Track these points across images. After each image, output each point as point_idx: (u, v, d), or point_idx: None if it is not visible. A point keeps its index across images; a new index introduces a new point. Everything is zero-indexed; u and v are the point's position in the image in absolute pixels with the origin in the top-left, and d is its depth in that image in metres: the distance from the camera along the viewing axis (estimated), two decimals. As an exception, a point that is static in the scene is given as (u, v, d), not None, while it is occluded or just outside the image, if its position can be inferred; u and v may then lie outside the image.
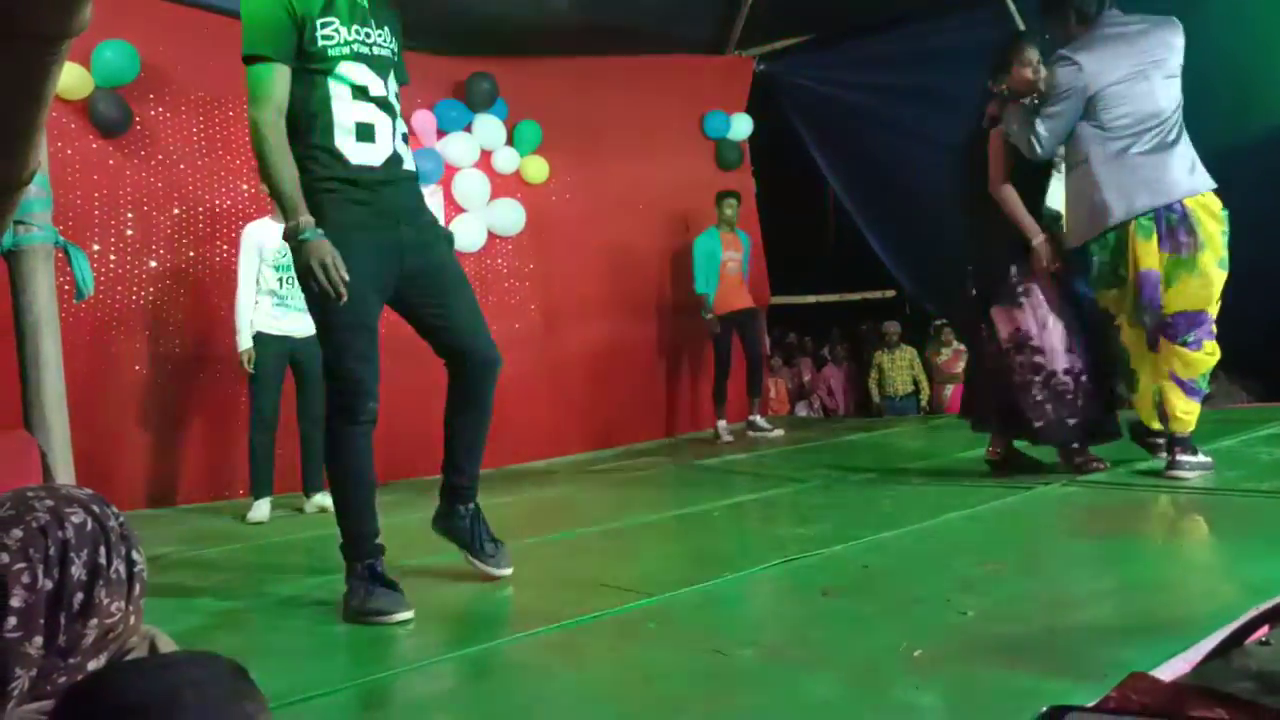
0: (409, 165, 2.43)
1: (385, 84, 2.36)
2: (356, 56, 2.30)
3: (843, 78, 6.92)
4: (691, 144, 6.87)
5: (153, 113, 4.69)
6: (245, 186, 4.93)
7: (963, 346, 7.97)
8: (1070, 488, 3.29)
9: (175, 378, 4.65)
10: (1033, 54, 3.43)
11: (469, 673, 1.95)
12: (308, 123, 2.27)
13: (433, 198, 5.38)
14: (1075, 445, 3.50)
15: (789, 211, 8.24)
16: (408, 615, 2.27)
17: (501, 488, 4.41)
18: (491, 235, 5.86)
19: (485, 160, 5.85)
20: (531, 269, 6.04)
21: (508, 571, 2.62)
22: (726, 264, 6.06)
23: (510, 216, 5.84)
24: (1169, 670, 1.46)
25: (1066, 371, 3.42)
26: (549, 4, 5.57)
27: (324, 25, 2.25)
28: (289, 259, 4.04)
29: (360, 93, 2.31)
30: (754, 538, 3.16)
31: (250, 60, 2.21)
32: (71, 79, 4.23)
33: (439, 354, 2.52)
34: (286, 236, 2.22)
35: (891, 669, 1.69)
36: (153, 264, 4.66)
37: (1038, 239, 3.44)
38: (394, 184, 2.36)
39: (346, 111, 2.29)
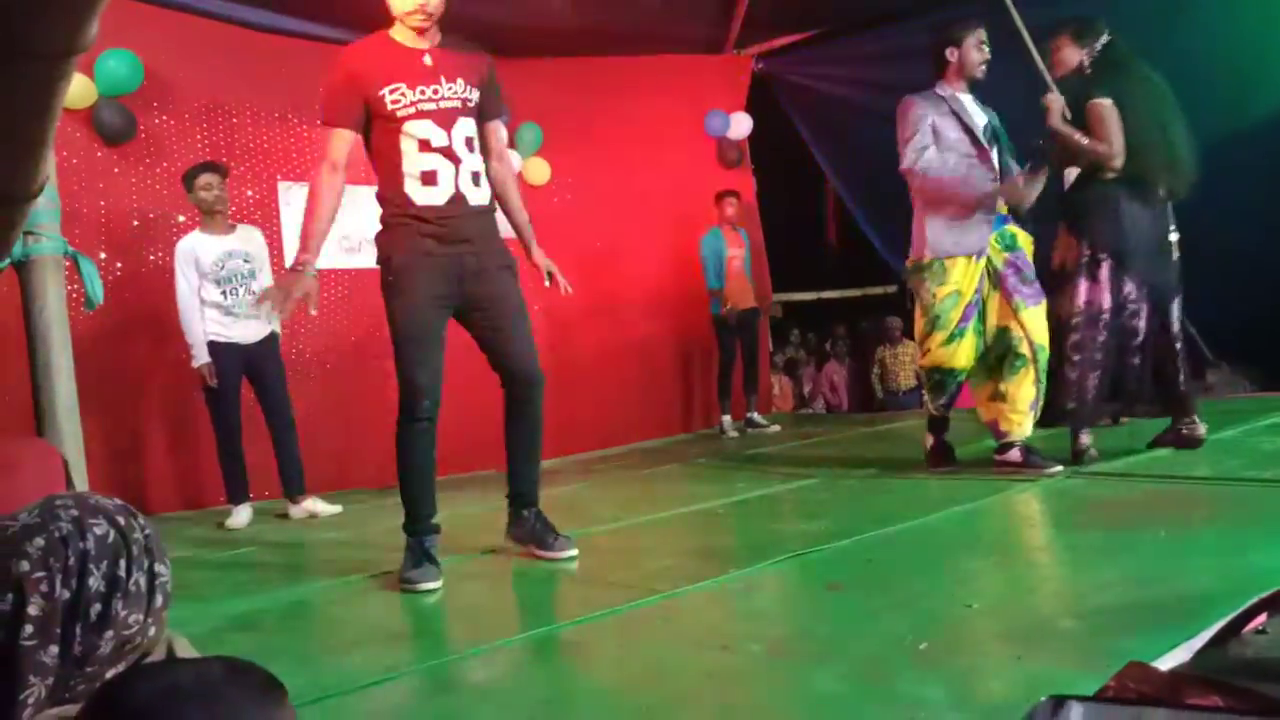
0: (476, 201, 2.75)
1: (450, 134, 2.69)
2: (421, 114, 2.65)
3: (841, 74, 6.93)
4: (691, 143, 6.88)
5: (157, 121, 4.71)
6: (250, 192, 4.96)
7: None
8: (1072, 480, 3.31)
9: (183, 384, 4.67)
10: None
11: (480, 671, 1.98)
12: (386, 171, 2.69)
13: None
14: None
15: (789, 209, 8.25)
16: (432, 585, 2.60)
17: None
18: (494, 237, 5.88)
19: (487, 163, 5.87)
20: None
21: (573, 553, 2.84)
22: (731, 261, 6.11)
23: (512, 218, 5.86)
24: (1170, 660, 1.48)
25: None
26: (549, 6, 5.58)
27: (391, 92, 2.63)
28: (227, 270, 4.08)
29: (424, 145, 2.66)
30: (759, 534, 3.18)
31: (324, 124, 2.70)
32: (75, 88, 4.25)
33: (493, 370, 2.87)
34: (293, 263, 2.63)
35: (897, 662, 1.71)
36: (158, 271, 4.68)
37: None
38: (459, 218, 2.70)
39: (413, 162, 2.66)
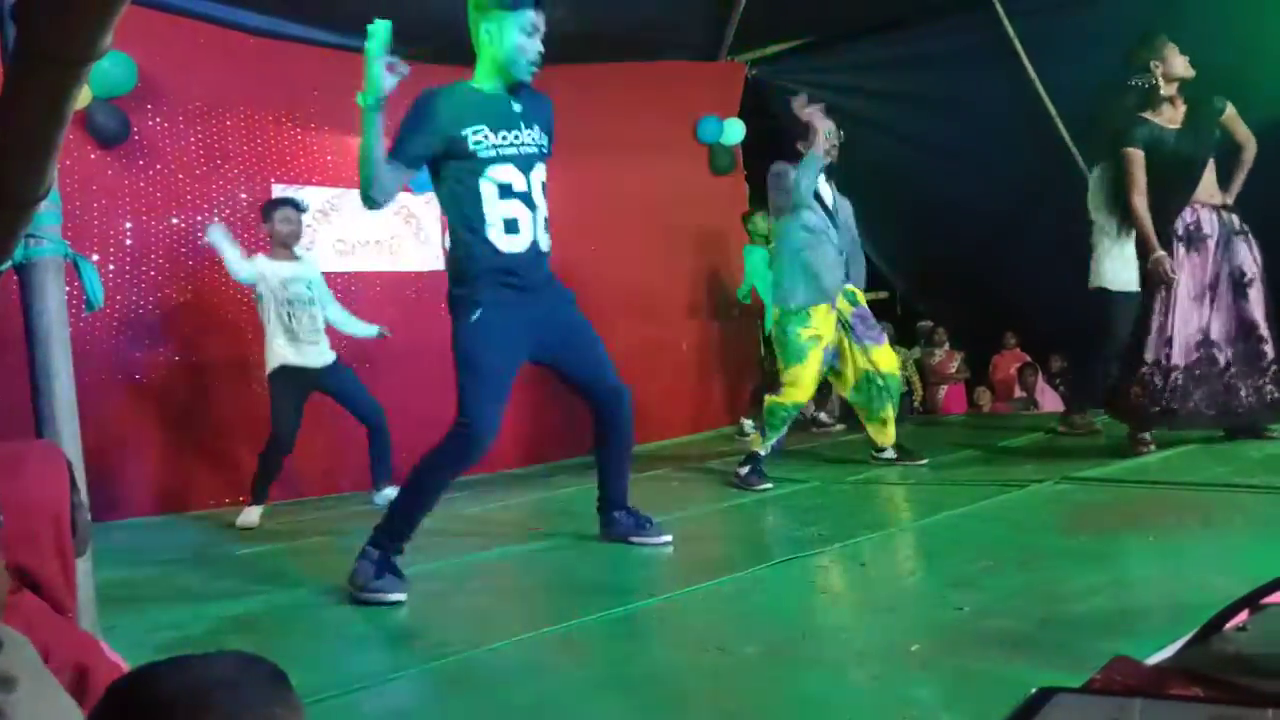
0: (545, 248, 2.80)
1: (528, 179, 2.72)
2: (503, 159, 2.67)
3: (834, 82, 6.96)
4: (684, 149, 6.91)
5: (150, 123, 4.72)
6: (243, 195, 4.97)
7: (951, 348, 8.04)
8: (1062, 485, 3.35)
9: (176, 386, 4.69)
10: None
11: (478, 672, 2.00)
12: (467, 218, 2.67)
13: (427, 207, 5.43)
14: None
15: (781, 215, 8.27)
16: (400, 596, 2.55)
17: (503, 492, 4.46)
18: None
19: (481, 168, 5.90)
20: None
21: (668, 538, 2.97)
22: None
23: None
24: (1156, 658, 1.51)
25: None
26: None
27: (474, 133, 2.63)
28: (291, 293, 4.15)
29: (506, 191, 2.68)
30: (753, 538, 3.21)
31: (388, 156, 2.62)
32: (71, 91, 4.25)
33: (579, 395, 2.94)
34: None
35: (890, 664, 1.74)
36: (151, 273, 4.69)
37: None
38: (534, 264, 2.74)
39: (495, 209, 2.67)
